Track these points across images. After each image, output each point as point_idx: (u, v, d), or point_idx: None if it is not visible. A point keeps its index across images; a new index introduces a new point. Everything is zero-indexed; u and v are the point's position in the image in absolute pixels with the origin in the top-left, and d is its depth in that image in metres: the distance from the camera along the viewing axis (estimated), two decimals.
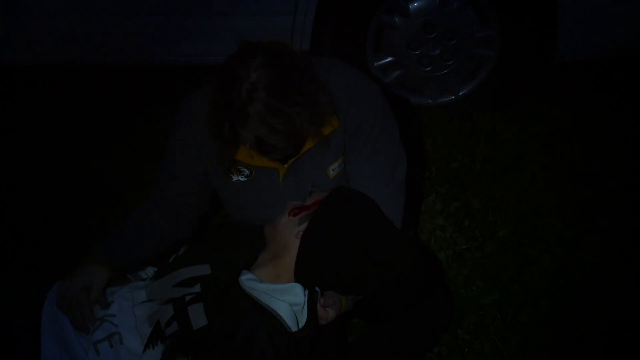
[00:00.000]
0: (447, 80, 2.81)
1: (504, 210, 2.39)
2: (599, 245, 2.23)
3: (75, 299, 1.54)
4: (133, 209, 1.77)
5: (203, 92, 1.64)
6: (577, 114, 2.87)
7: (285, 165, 1.67)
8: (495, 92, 2.82)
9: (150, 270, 1.72)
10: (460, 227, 2.31)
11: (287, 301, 1.46)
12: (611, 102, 2.91)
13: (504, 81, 2.78)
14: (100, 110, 2.94)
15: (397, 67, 2.78)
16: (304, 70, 1.47)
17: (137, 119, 2.88)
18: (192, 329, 1.45)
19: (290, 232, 1.55)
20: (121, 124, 2.86)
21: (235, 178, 1.71)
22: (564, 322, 1.98)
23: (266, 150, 1.54)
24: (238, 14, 2.49)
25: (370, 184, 1.68)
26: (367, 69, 2.72)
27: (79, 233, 2.31)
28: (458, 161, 2.63)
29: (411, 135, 2.68)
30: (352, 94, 1.63)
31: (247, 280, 1.50)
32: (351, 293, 1.57)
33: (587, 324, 1.97)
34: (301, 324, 1.46)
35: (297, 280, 1.51)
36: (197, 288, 1.54)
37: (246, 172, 1.70)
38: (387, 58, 2.76)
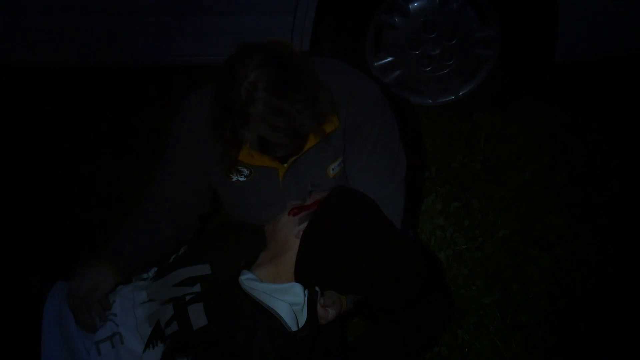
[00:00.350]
0: (447, 80, 2.81)
1: (504, 210, 2.39)
2: (599, 245, 2.23)
3: (85, 299, 1.55)
4: (135, 211, 1.76)
5: (202, 92, 1.64)
6: (577, 114, 2.87)
7: (285, 165, 1.67)
8: (495, 92, 2.82)
9: (150, 270, 1.72)
10: (460, 227, 2.31)
11: (287, 301, 1.46)
12: (611, 102, 2.91)
13: (504, 81, 2.78)
14: (100, 110, 2.94)
15: (397, 67, 2.78)
16: (303, 69, 1.47)
17: (137, 119, 2.88)
18: (192, 328, 1.45)
19: (290, 232, 1.55)
20: (121, 124, 2.86)
21: (235, 178, 1.71)
22: (564, 322, 1.98)
23: (268, 149, 1.54)
24: (238, 14, 2.49)
25: (370, 184, 1.68)
26: (367, 69, 2.72)
27: (79, 233, 2.31)
28: (458, 161, 2.63)
29: (411, 135, 2.67)
30: (352, 94, 1.63)
31: (247, 280, 1.50)
32: (351, 293, 1.57)
33: (587, 324, 1.97)
34: (301, 324, 1.46)
35: (297, 280, 1.51)
36: (197, 288, 1.54)
37: (246, 172, 1.70)
38: (387, 58, 2.76)
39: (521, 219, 2.35)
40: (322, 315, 1.50)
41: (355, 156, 1.70)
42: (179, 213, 1.75)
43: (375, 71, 2.76)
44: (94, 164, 2.65)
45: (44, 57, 2.65)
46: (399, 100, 2.81)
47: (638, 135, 2.73)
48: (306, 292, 1.48)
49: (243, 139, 1.51)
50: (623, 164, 2.59)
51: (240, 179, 1.71)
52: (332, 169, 1.71)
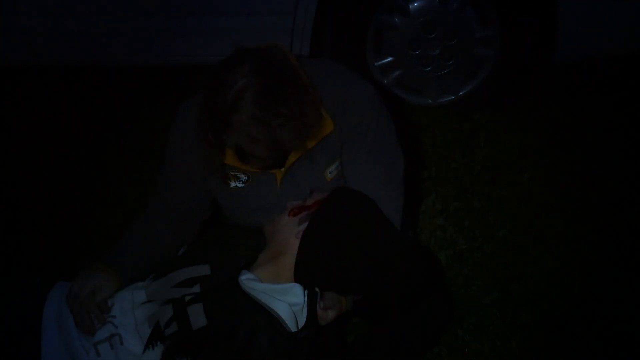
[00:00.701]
0: (447, 80, 2.81)
1: (504, 210, 2.39)
2: (599, 245, 2.23)
3: (85, 303, 1.56)
4: (137, 218, 1.77)
5: (198, 98, 1.64)
6: (577, 114, 2.87)
7: (282, 170, 1.66)
8: (495, 92, 2.82)
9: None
10: (460, 227, 2.31)
11: (287, 301, 1.46)
12: (611, 102, 2.91)
13: (504, 81, 2.78)
14: (99, 111, 2.94)
15: (397, 67, 2.78)
16: (292, 81, 1.46)
17: (137, 120, 2.88)
18: (192, 329, 1.45)
19: (290, 233, 1.55)
20: (121, 125, 2.86)
21: (233, 184, 1.70)
22: (564, 322, 1.98)
23: (246, 159, 1.55)
24: (238, 13, 2.49)
25: (368, 185, 1.67)
26: (367, 69, 2.72)
27: (79, 233, 2.32)
28: (458, 161, 2.63)
29: (411, 135, 2.68)
30: (347, 95, 1.63)
31: (247, 280, 1.50)
32: (351, 293, 1.57)
33: (587, 324, 1.97)
34: (301, 324, 1.46)
35: (296, 281, 1.51)
36: (196, 288, 1.54)
37: (244, 177, 1.69)
38: (387, 58, 2.76)
39: (521, 219, 2.35)
40: (322, 316, 1.50)
41: (353, 158, 1.69)
42: (180, 220, 1.75)
43: (375, 71, 2.76)
44: (94, 164, 2.65)
45: (44, 57, 2.65)
46: (399, 100, 2.81)
47: (638, 135, 2.73)
48: (306, 292, 1.48)
49: (225, 144, 1.51)
50: (623, 164, 2.59)
51: (239, 185, 1.71)
52: (330, 172, 1.71)
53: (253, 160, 1.55)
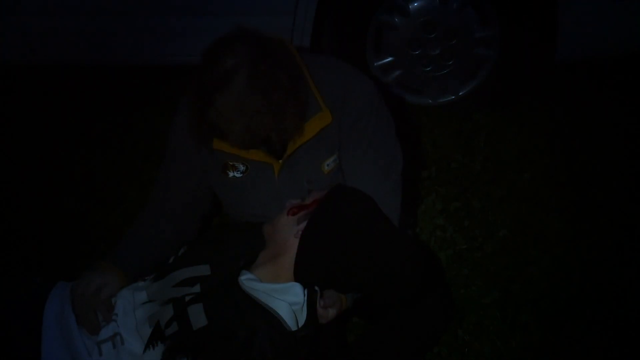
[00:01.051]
0: (447, 80, 2.81)
1: (504, 210, 2.39)
2: (599, 245, 2.23)
3: (91, 301, 1.56)
4: (139, 214, 1.78)
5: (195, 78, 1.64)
6: (577, 114, 2.87)
7: (280, 161, 1.67)
8: (495, 92, 2.82)
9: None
10: (460, 227, 2.31)
11: (287, 301, 1.46)
12: (611, 102, 2.91)
13: (504, 81, 2.78)
14: (99, 111, 2.94)
15: (397, 67, 2.78)
16: (284, 77, 1.46)
17: (137, 119, 2.88)
18: (192, 329, 1.44)
19: (289, 232, 1.55)
20: (121, 124, 2.86)
21: (231, 174, 1.72)
22: (564, 322, 1.98)
23: (222, 136, 1.53)
24: (238, 13, 2.49)
25: (366, 181, 1.68)
26: (367, 69, 2.72)
27: (79, 233, 2.32)
28: (458, 161, 2.63)
29: (411, 135, 2.68)
30: (347, 91, 1.64)
31: (247, 280, 1.50)
32: (351, 291, 1.57)
33: (587, 324, 1.97)
34: (301, 324, 1.46)
35: (296, 280, 1.51)
36: (197, 288, 1.54)
37: (242, 167, 1.70)
38: (387, 58, 2.76)
39: (521, 219, 2.35)
40: (322, 315, 1.50)
41: (351, 153, 1.70)
42: (182, 213, 1.76)
43: (375, 71, 2.76)
44: (94, 164, 2.65)
45: (44, 57, 2.65)
46: (399, 100, 2.81)
47: (638, 135, 2.73)
48: (306, 291, 1.48)
49: (205, 120, 1.49)
50: (623, 164, 2.59)
51: (237, 175, 1.71)
52: (327, 165, 1.71)
53: (227, 138, 1.53)
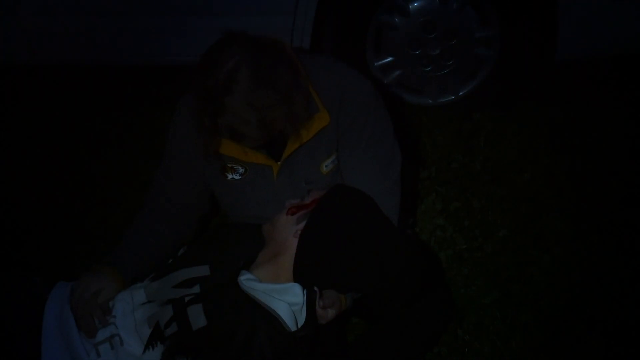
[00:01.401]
0: (447, 80, 2.81)
1: (504, 210, 2.39)
2: (599, 245, 2.23)
3: (88, 304, 1.57)
4: (136, 216, 1.78)
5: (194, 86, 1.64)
6: (577, 114, 2.87)
7: (279, 162, 1.67)
8: (495, 92, 2.82)
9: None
10: (460, 227, 2.31)
11: (286, 301, 1.46)
12: (611, 102, 2.91)
13: (504, 81, 2.78)
14: (99, 110, 2.94)
15: (397, 67, 2.78)
16: (284, 68, 1.47)
17: (137, 119, 2.88)
18: (192, 329, 1.45)
19: (288, 232, 1.55)
20: (121, 124, 2.86)
21: (230, 176, 1.71)
22: (564, 322, 1.98)
23: (238, 139, 1.54)
24: (238, 14, 2.49)
25: (364, 181, 1.68)
26: (367, 69, 2.72)
27: (79, 233, 2.31)
28: (458, 161, 2.62)
29: (411, 135, 2.68)
30: (345, 91, 1.64)
31: (246, 280, 1.50)
32: (350, 291, 1.57)
33: (587, 324, 1.97)
34: (300, 324, 1.46)
35: (296, 280, 1.51)
36: (196, 289, 1.54)
37: (240, 169, 1.70)
38: (387, 58, 2.76)
39: (521, 219, 2.35)
40: (321, 315, 1.50)
41: (350, 153, 1.70)
42: (179, 214, 1.75)
43: (375, 71, 2.76)
44: (93, 163, 2.65)
45: (44, 57, 2.65)
46: (399, 100, 2.81)
47: (638, 135, 2.73)
48: (305, 291, 1.48)
49: (221, 128, 1.50)
50: (623, 164, 2.59)
51: (236, 177, 1.71)
52: (326, 166, 1.71)
53: (245, 139, 1.54)
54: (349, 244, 1.48)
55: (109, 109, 2.95)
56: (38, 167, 2.63)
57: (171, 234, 1.74)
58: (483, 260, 2.19)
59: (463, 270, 2.15)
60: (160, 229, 1.73)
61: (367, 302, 1.63)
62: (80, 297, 1.58)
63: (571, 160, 2.62)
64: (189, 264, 1.61)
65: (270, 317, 1.44)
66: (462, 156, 2.65)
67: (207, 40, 2.63)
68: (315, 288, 1.51)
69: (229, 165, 1.69)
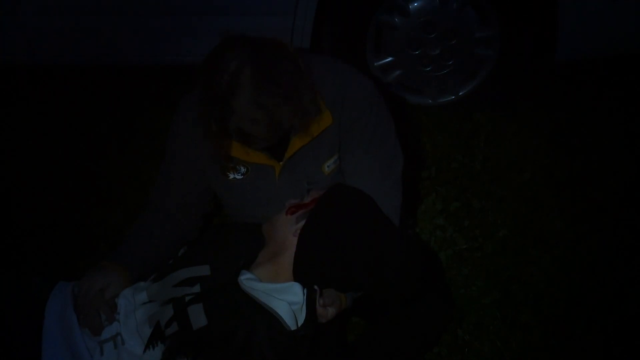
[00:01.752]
0: (447, 80, 2.81)
1: (504, 210, 2.39)
2: (599, 245, 2.23)
3: (94, 301, 1.57)
4: (140, 215, 1.78)
5: (198, 92, 1.64)
6: (577, 114, 2.87)
7: (281, 163, 1.67)
8: (495, 92, 2.82)
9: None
10: (460, 227, 2.31)
11: (286, 300, 1.46)
12: (611, 102, 2.91)
13: (504, 81, 2.78)
14: (100, 111, 2.94)
15: (397, 67, 2.78)
16: (287, 65, 1.46)
17: (137, 119, 2.88)
18: (192, 329, 1.45)
19: (288, 231, 1.55)
20: (121, 124, 2.86)
21: (231, 176, 1.71)
22: (564, 322, 1.98)
23: (248, 141, 1.54)
24: (238, 13, 2.49)
25: (366, 181, 1.68)
26: (367, 69, 2.72)
27: (79, 233, 2.32)
28: (458, 161, 2.63)
29: (411, 135, 2.68)
30: (346, 91, 1.64)
31: (247, 279, 1.50)
32: (350, 290, 1.57)
33: (587, 324, 1.97)
34: (300, 323, 1.46)
35: (295, 279, 1.51)
36: (196, 288, 1.54)
37: (242, 169, 1.70)
38: (387, 58, 2.76)
39: (521, 219, 2.35)
40: (321, 314, 1.50)
41: (351, 153, 1.70)
42: (182, 214, 1.76)
43: (375, 71, 2.76)
44: (94, 164, 2.65)
45: (44, 57, 2.65)
46: (399, 100, 2.81)
47: (638, 135, 2.73)
48: (305, 291, 1.48)
49: (229, 131, 1.50)
50: (623, 164, 2.59)
51: (237, 177, 1.71)
52: (328, 166, 1.71)
53: (256, 141, 1.54)
54: (348, 243, 1.47)
55: (109, 109, 2.95)
56: (38, 167, 2.63)
57: (175, 232, 1.74)
58: (483, 260, 2.19)
59: (463, 270, 2.15)
60: (163, 228, 1.73)
61: (367, 301, 1.63)
62: (86, 293, 1.58)
63: (571, 160, 2.62)
64: (190, 263, 1.61)
65: (270, 317, 1.43)
66: (462, 156, 2.65)
67: (207, 40, 2.62)
68: (316, 287, 1.51)
69: (231, 165, 1.69)
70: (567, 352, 1.91)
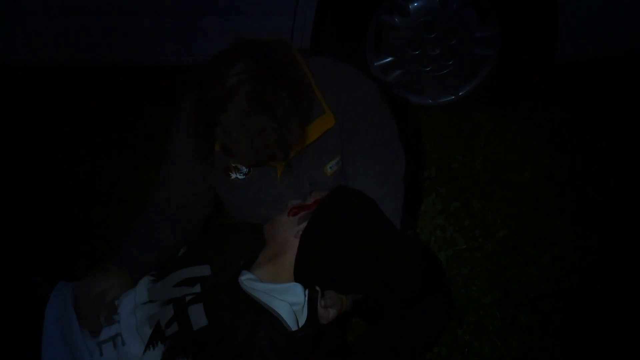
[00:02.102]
0: (447, 80, 2.81)
1: (504, 210, 2.39)
2: (599, 245, 2.23)
3: (94, 302, 1.57)
4: (140, 216, 1.78)
5: (196, 91, 1.64)
6: (577, 114, 2.87)
7: (283, 163, 1.67)
8: (495, 92, 2.82)
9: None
10: (460, 227, 2.31)
11: (287, 301, 1.46)
12: (611, 102, 2.91)
13: (504, 81, 2.79)
14: (100, 111, 2.94)
15: (397, 67, 2.78)
16: (285, 91, 1.44)
17: (137, 119, 2.88)
18: (193, 329, 1.45)
19: (289, 232, 1.55)
20: (121, 124, 2.86)
21: (233, 176, 1.71)
22: (564, 322, 1.98)
23: (228, 154, 1.53)
24: (238, 13, 2.49)
25: (368, 182, 1.68)
26: (367, 69, 2.72)
27: (79, 233, 2.31)
28: (458, 161, 2.63)
29: (411, 135, 2.67)
30: (349, 93, 1.64)
31: (247, 280, 1.50)
32: (351, 292, 1.57)
33: (587, 324, 1.97)
34: (301, 324, 1.46)
35: (296, 280, 1.51)
36: (197, 288, 1.54)
37: (244, 169, 1.70)
38: (387, 58, 2.76)
39: (521, 219, 2.35)
40: (322, 315, 1.50)
41: (353, 154, 1.70)
42: (183, 215, 1.75)
43: (375, 71, 2.76)
44: (94, 164, 2.65)
45: (44, 57, 2.65)
46: (399, 100, 2.81)
47: (638, 135, 2.73)
48: (306, 291, 1.48)
49: (213, 137, 1.50)
50: (623, 164, 2.59)
51: (239, 177, 1.71)
52: (330, 168, 1.71)
53: (235, 157, 1.54)
54: (350, 245, 1.48)
55: (109, 109, 2.95)
56: (38, 167, 2.63)
57: (176, 233, 1.74)
58: (483, 260, 2.19)
59: (463, 270, 2.15)
60: (164, 229, 1.73)
61: (368, 302, 1.63)
62: (86, 294, 1.58)
63: (571, 160, 2.62)
64: (190, 263, 1.61)
65: (271, 317, 1.43)
66: (462, 156, 2.65)
67: (207, 40, 2.64)
68: (317, 288, 1.51)
69: (233, 165, 1.69)
70: (567, 352, 1.91)
